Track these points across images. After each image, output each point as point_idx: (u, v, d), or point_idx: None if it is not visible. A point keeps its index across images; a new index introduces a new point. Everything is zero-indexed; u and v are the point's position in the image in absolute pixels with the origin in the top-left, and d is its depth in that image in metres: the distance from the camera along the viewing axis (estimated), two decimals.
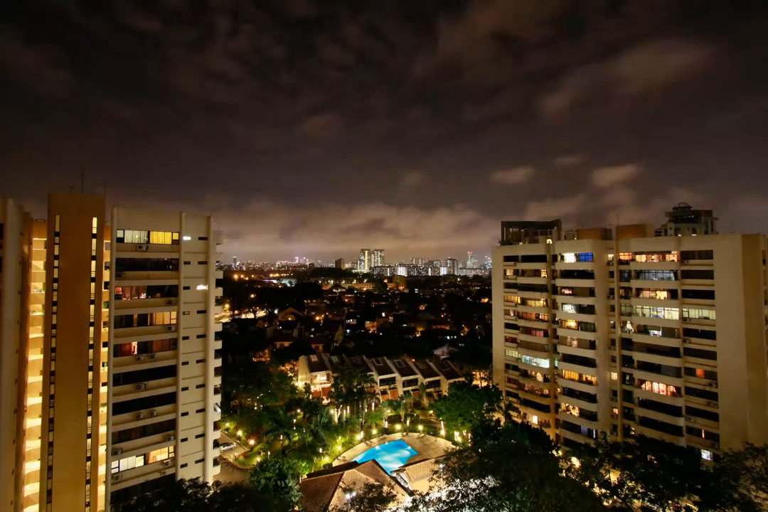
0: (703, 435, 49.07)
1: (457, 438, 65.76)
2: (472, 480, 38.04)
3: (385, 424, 72.59)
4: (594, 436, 53.13)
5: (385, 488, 40.62)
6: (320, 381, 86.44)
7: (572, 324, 60.40)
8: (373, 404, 75.39)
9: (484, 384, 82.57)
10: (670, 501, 39.34)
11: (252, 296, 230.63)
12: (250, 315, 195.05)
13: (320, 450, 58.64)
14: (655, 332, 53.78)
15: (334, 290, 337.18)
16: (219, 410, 50.49)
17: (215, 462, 49.96)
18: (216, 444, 49.44)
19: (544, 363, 64.95)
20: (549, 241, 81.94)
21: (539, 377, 65.56)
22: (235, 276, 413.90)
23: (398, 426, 73.11)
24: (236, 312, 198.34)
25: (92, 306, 42.98)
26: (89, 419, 42.07)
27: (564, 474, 43.27)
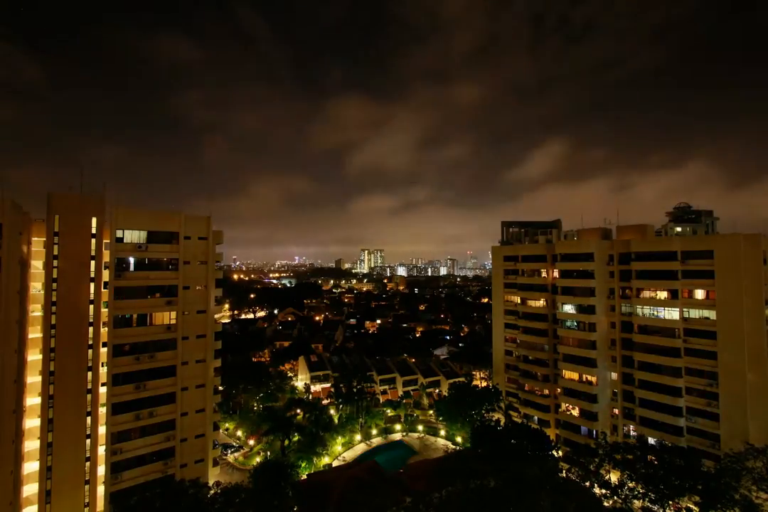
0: (704, 436, 49.09)
1: (457, 438, 65.66)
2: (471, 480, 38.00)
3: (385, 424, 72.47)
4: (594, 436, 52.98)
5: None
6: (320, 381, 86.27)
7: (572, 324, 60.29)
8: (372, 404, 75.25)
9: (484, 384, 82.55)
10: (670, 502, 39.31)
11: (252, 296, 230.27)
12: (250, 316, 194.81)
13: (320, 451, 58.53)
14: (656, 332, 53.71)
15: (333, 290, 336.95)
16: (218, 410, 50.46)
17: (215, 463, 49.98)
18: (216, 444, 49.44)
19: (544, 364, 64.88)
20: (549, 240, 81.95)
21: (539, 377, 65.45)
22: (235, 277, 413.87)
23: (398, 426, 73.00)
24: (236, 312, 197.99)
25: (92, 306, 42.91)
26: (88, 419, 42.03)
27: (564, 475, 43.33)
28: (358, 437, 68.78)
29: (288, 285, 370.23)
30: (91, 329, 42.69)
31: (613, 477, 43.48)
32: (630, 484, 40.42)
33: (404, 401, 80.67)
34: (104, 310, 43.60)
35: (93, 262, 43.18)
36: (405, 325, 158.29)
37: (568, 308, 60.92)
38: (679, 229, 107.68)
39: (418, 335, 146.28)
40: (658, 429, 51.60)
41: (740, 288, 47.78)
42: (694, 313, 51.32)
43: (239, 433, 70.57)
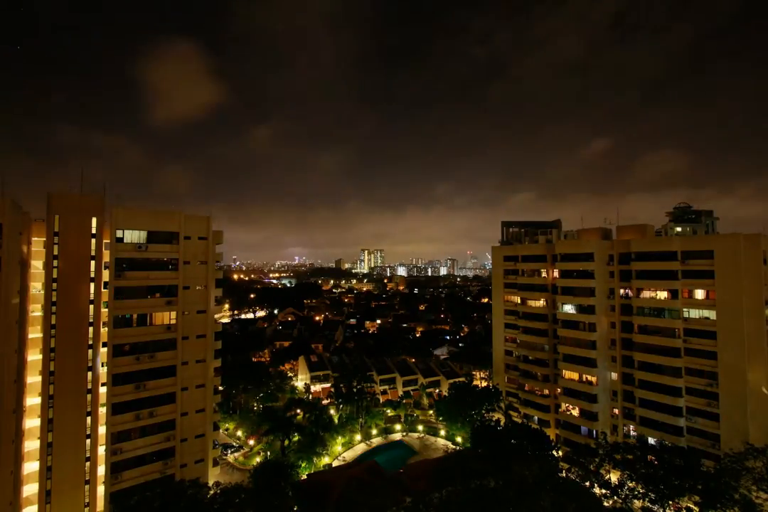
0: (704, 436, 49.09)
1: (457, 438, 65.67)
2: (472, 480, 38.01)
3: (385, 424, 72.50)
4: (594, 436, 53.00)
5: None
6: (320, 381, 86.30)
7: (572, 324, 60.24)
8: (372, 404, 75.33)
9: (484, 384, 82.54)
10: (670, 502, 39.32)
11: (252, 296, 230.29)
12: (250, 315, 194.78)
13: (320, 451, 58.53)
14: (656, 332, 53.72)
15: (333, 290, 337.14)
16: (218, 410, 50.44)
17: (215, 463, 49.99)
18: (216, 444, 49.43)
19: (544, 364, 64.88)
20: (549, 240, 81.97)
21: (539, 377, 65.45)
22: (235, 276, 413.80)
23: (398, 426, 73.01)
24: (236, 312, 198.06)
25: (91, 306, 42.90)
26: (88, 419, 42.03)
27: (564, 475, 43.33)
28: (358, 437, 68.79)
29: (288, 285, 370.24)
30: (91, 329, 42.67)
31: (613, 477, 43.45)
32: (630, 484, 40.41)
33: (404, 401, 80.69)
34: (104, 310, 43.60)
35: (93, 262, 43.15)
36: (405, 325, 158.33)
37: (568, 308, 60.91)
38: (679, 229, 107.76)
39: (418, 335, 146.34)
40: (658, 429, 51.59)
41: (740, 288, 47.77)
42: (694, 313, 51.33)
43: (239, 433, 70.57)
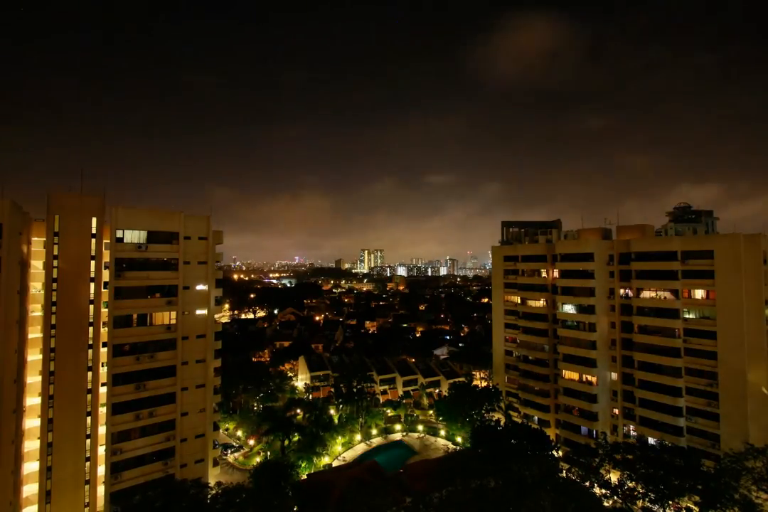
0: (704, 436, 49.09)
1: (457, 438, 65.67)
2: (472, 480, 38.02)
3: (385, 424, 72.50)
4: (594, 436, 53.03)
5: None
6: (320, 381, 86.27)
7: (572, 324, 60.27)
8: (372, 404, 75.30)
9: (484, 384, 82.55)
10: (670, 502, 39.32)
11: (252, 296, 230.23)
12: (250, 315, 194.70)
13: (320, 451, 58.53)
14: (656, 332, 53.73)
15: (333, 290, 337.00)
16: (218, 410, 50.47)
17: (215, 463, 50.04)
18: (216, 444, 49.44)
19: (544, 364, 64.88)
20: (549, 240, 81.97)
21: (539, 377, 65.44)
22: (235, 276, 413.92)
23: (398, 426, 73.00)
24: (236, 312, 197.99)
25: (91, 306, 42.92)
26: (89, 419, 42.06)
27: (564, 475, 43.35)
28: (358, 437, 68.79)
29: (288, 285, 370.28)
30: (91, 329, 42.68)
31: (613, 477, 43.46)
32: (630, 484, 40.43)
33: (404, 401, 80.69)
34: (104, 310, 43.62)
35: (93, 262, 43.16)
36: (405, 325, 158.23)
37: (568, 308, 60.91)
38: (679, 229, 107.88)
39: (418, 335, 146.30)
40: (658, 429, 51.60)
41: (740, 288, 47.78)
42: (694, 313, 51.36)
43: (239, 433, 70.58)
